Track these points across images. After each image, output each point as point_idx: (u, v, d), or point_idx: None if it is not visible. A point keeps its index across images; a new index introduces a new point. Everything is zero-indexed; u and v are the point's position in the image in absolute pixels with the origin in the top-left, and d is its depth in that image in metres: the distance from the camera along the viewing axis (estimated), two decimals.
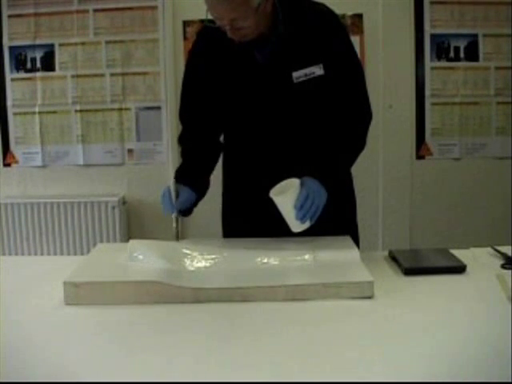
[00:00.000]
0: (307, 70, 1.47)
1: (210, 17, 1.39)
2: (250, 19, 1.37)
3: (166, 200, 1.48)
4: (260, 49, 1.48)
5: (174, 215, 1.50)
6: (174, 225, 1.51)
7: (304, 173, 1.42)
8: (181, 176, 1.53)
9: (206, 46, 1.55)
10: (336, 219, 1.49)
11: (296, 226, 1.39)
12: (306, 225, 1.38)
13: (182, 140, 1.64)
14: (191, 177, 1.54)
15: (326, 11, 1.51)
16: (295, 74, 1.47)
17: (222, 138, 1.67)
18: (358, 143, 1.54)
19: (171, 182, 1.49)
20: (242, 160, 1.61)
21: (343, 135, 1.52)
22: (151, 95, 3.09)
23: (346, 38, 1.54)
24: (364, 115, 1.56)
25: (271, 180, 1.43)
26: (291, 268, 1.32)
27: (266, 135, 1.54)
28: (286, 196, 1.37)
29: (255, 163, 1.57)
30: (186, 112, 1.63)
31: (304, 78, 1.47)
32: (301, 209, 1.36)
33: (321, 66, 1.47)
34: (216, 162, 1.65)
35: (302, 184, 1.39)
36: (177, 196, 1.47)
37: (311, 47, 1.48)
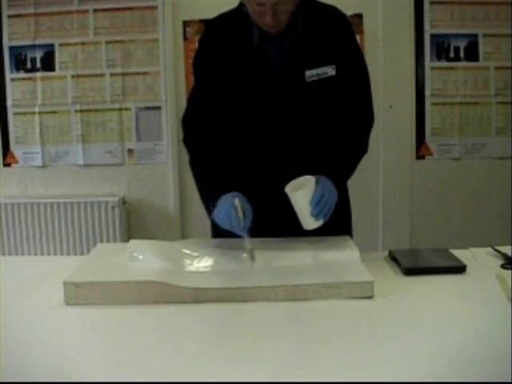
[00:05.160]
0: (320, 70, 1.48)
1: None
2: (290, 3, 1.40)
3: (234, 222, 1.35)
4: (277, 45, 1.49)
5: (247, 236, 1.35)
6: (250, 247, 1.35)
7: (313, 172, 1.42)
8: (222, 188, 1.42)
9: (218, 42, 1.53)
10: (330, 228, 1.46)
11: (309, 224, 1.38)
12: (319, 222, 1.37)
13: (195, 146, 1.57)
14: (233, 184, 1.44)
15: (338, 13, 1.54)
16: (308, 73, 1.48)
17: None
18: (362, 146, 1.56)
19: (236, 201, 1.35)
20: (245, 158, 1.60)
21: (349, 138, 1.53)
22: (151, 95, 3.09)
23: (355, 41, 1.58)
24: (368, 118, 1.58)
25: (275, 179, 1.43)
26: (291, 268, 1.32)
27: (272, 132, 1.53)
28: (303, 192, 1.37)
29: (260, 161, 1.56)
30: (201, 111, 1.57)
31: (316, 78, 1.49)
32: (316, 206, 1.36)
33: (333, 66, 1.49)
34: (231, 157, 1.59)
35: (316, 182, 1.39)
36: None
37: (325, 47, 1.49)
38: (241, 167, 1.59)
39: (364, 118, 1.57)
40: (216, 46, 1.54)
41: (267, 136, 1.54)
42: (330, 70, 1.49)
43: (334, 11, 1.54)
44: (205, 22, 1.63)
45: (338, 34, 1.51)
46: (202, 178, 1.52)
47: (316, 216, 1.36)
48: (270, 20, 1.39)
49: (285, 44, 1.49)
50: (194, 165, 1.57)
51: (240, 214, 1.36)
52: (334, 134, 1.52)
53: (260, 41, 1.48)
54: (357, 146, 1.55)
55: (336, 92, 1.51)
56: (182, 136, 1.63)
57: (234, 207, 1.36)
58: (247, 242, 1.36)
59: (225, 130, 1.60)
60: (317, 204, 1.36)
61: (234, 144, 1.60)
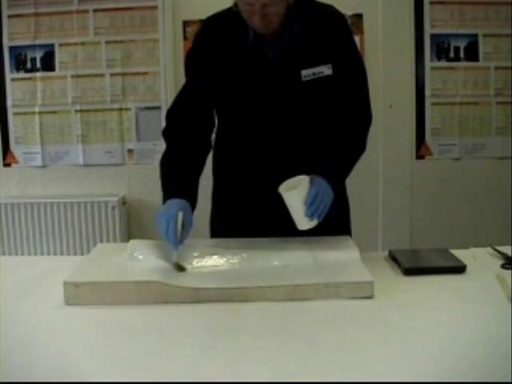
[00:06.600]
0: (316, 69, 1.48)
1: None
2: (280, 6, 1.39)
3: (170, 233, 1.32)
4: (273, 46, 1.49)
5: (175, 249, 1.32)
6: (175, 260, 1.32)
7: (309, 172, 1.42)
8: (178, 193, 1.40)
9: (213, 41, 1.53)
10: (329, 227, 1.47)
11: (303, 224, 1.38)
12: (314, 223, 1.37)
13: (173, 141, 1.53)
14: (190, 192, 1.44)
15: (336, 13, 1.54)
16: (304, 73, 1.48)
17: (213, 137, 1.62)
18: (359, 146, 1.55)
19: (179, 214, 1.33)
20: (241, 158, 1.59)
21: (345, 137, 1.52)
22: (151, 95, 3.09)
23: (353, 41, 1.57)
24: (365, 118, 1.58)
25: (272, 179, 1.42)
26: (291, 268, 1.32)
27: (268, 131, 1.53)
28: (296, 192, 1.36)
29: (256, 161, 1.56)
30: (186, 107, 1.55)
31: (312, 77, 1.48)
32: (311, 205, 1.35)
33: (330, 66, 1.49)
34: (204, 163, 1.57)
35: (311, 181, 1.38)
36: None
37: (321, 47, 1.49)
38: (237, 167, 1.59)
39: (361, 117, 1.57)
40: (211, 45, 1.53)
41: (263, 135, 1.54)
42: (326, 70, 1.49)
43: (331, 11, 1.53)
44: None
45: (334, 33, 1.50)
46: (168, 174, 1.48)
47: (310, 216, 1.36)
48: (259, 21, 1.39)
49: (280, 44, 1.48)
50: (165, 159, 1.51)
51: (179, 226, 1.33)
52: (330, 133, 1.52)
53: (255, 41, 1.48)
54: (354, 146, 1.54)
55: (333, 91, 1.51)
56: (162, 128, 1.58)
57: (175, 219, 1.33)
58: (174, 255, 1.33)
59: (220, 128, 1.60)
60: (311, 204, 1.35)
61: (229, 143, 1.60)
